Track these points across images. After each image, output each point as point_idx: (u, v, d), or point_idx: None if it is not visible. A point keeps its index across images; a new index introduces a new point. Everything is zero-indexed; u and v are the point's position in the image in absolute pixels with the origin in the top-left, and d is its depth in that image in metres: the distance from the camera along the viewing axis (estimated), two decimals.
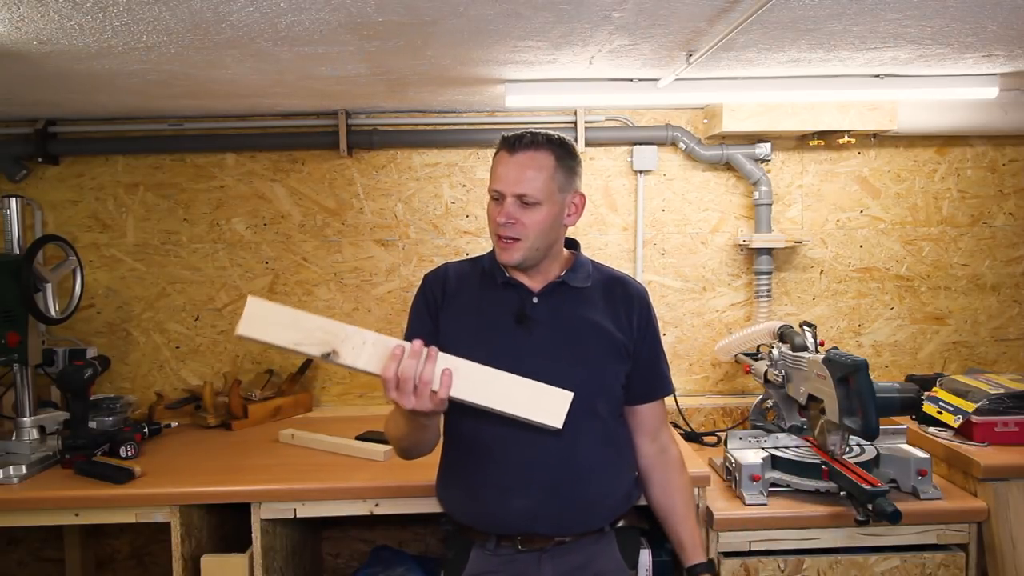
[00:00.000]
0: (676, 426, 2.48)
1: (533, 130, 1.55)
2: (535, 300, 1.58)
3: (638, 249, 2.74)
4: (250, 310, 1.27)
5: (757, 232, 2.68)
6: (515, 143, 1.52)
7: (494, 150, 1.59)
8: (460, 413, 1.60)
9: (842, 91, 2.25)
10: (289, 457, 2.20)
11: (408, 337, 1.64)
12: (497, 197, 1.53)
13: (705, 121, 2.70)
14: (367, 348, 1.29)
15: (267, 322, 1.27)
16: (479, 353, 1.53)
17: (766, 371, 2.30)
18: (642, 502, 1.75)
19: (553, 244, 1.58)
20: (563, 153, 1.54)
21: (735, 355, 2.64)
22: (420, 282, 1.69)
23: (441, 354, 1.33)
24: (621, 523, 1.66)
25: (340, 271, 2.76)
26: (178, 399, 2.64)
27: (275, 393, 2.67)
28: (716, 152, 2.67)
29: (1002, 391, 2.14)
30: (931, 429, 2.20)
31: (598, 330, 1.58)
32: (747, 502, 1.95)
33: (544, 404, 1.35)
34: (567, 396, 1.35)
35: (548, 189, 1.51)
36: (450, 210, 2.75)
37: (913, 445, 2.08)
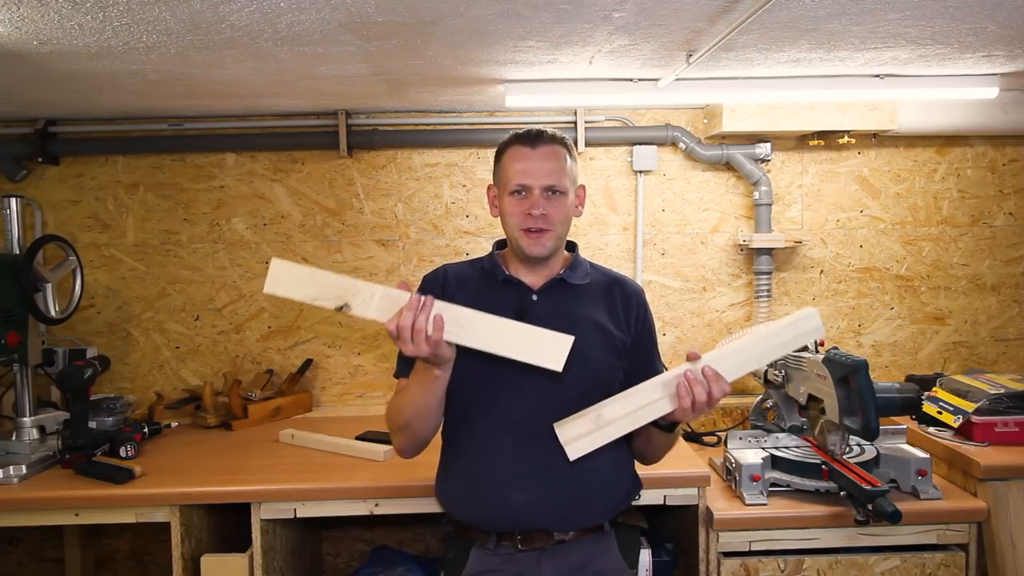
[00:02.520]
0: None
1: (539, 127, 1.59)
2: (534, 297, 1.59)
3: (638, 249, 2.75)
4: (274, 270, 1.43)
5: (757, 232, 2.68)
6: (536, 138, 1.57)
7: (496, 149, 1.62)
8: (458, 412, 1.60)
9: (842, 91, 2.25)
10: (289, 457, 2.20)
11: None
12: (520, 191, 1.55)
13: (705, 121, 2.70)
14: (375, 301, 1.42)
15: (289, 280, 1.43)
16: (479, 351, 1.53)
17: (766, 371, 2.30)
18: (642, 501, 1.75)
19: (567, 235, 1.63)
20: (569, 147, 1.61)
21: None
22: (419, 282, 1.70)
23: (441, 303, 1.41)
24: (620, 521, 1.65)
25: (340, 271, 2.75)
26: (178, 399, 2.64)
27: (275, 393, 2.67)
28: (716, 152, 2.67)
29: (1002, 391, 2.14)
30: (931, 429, 2.20)
31: (596, 327, 1.58)
32: (747, 502, 1.95)
33: (544, 348, 1.42)
34: (568, 339, 1.40)
35: (570, 179, 1.58)
36: (450, 210, 2.75)
37: (913, 445, 2.08)
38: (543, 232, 1.55)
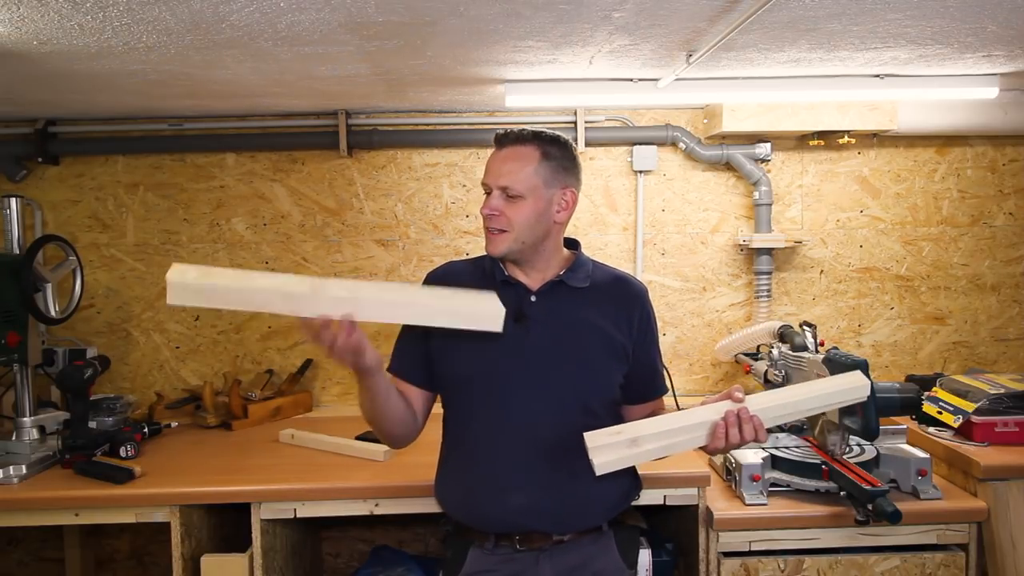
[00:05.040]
0: None
1: (525, 127, 1.56)
2: (533, 299, 1.58)
3: (638, 249, 2.74)
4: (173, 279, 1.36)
5: (757, 232, 2.68)
6: (503, 138, 1.55)
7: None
8: (456, 413, 1.60)
9: (842, 91, 2.25)
10: (289, 457, 2.20)
11: (402, 335, 1.66)
12: (487, 191, 1.56)
13: (705, 121, 2.70)
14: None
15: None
16: (476, 351, 1.53)
17: (766, 371, 2.30)
18: (642, 501, 1.75)
19: (542, 239, 1.57)
20: (551, 149, 1.54)
21: (735, 355, 2.64)
22: (420, 282, 1.70)
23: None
24: (620, 521, 1.65)
25: (340, 271, 2.76)
26: (178, 399, 2.64)
27: (275, 393, 2.67)
28: (716, 152, 2.67)
29: (1002, 391, 2.14)
30: (931, 429, 2.20)
31: (596, 331, 1.58)
32: (747, 502, 1.95)
33: (477, 311, 1.44)
34: (492, 298, 1.42)
35: (532, 183, 1.51)
36: (450, 210, 2.75)
37: (913, 445, 2.08)
38: (499, 233, 1.53)
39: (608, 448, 1.38)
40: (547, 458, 1.52)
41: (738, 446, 1.42)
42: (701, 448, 1.45)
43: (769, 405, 1.44)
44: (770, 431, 2.22)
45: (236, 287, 1.39)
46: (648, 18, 1.62)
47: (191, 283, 1.36)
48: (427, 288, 1.60)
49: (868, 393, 1.52)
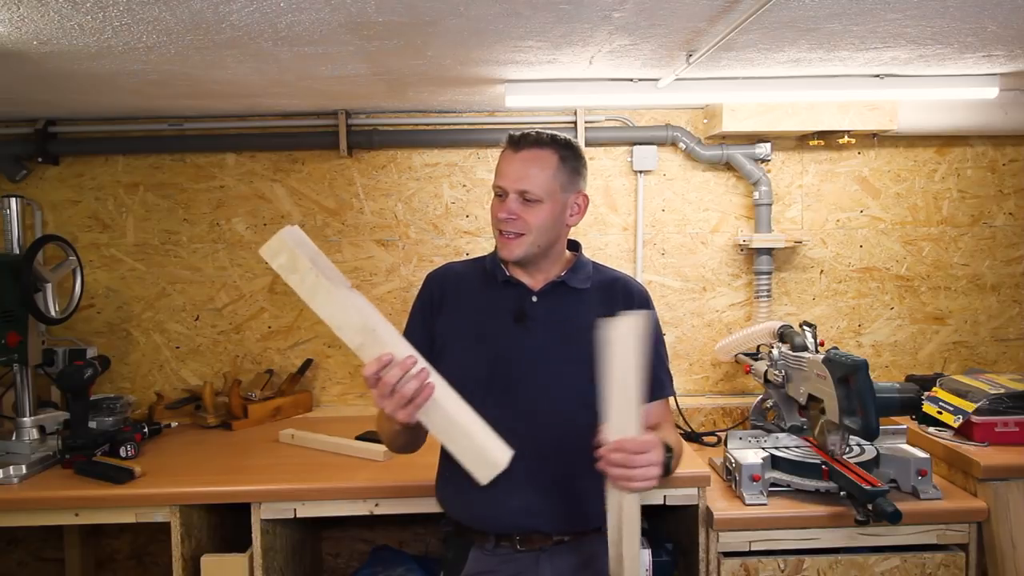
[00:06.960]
0: (676, 426, 2.47)
1: (539, 129, 1.56)
2: (534, 299, 1.58)
3: (638, 249, 2.74)
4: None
5: (757, 232, 2.68)
6: (520, 141, 1.55)
7: (494, 150, 1.61)
8: None
9: (842, 91, 2.25)
10: (289, 457, 2.20)
11: (405, 337, 1.66)
12: (500, 193, 1.55)
13: (705, 121, 2.70)
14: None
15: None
16: (478, 350, 1.53)
17: (766, 371, 2.30)
18: (642, 501, 1.74)
19: (554, 243, 1.58)
20: (567, 153, 1.56)
21: (735, 355, 2.64)
22: (421, 282, 1.70)
23: (436, 377, 1.29)
24: None
25: (340, 271, 2.75)
26: (178, 399, 2.64)
27: (275, 393, 2.67)
28: (716, 152, 2.67)
29: (1002, 391, 2.14)
30: (931, 429, 2.20)
31: (595, 332, 1.57)
32: (747, 502, 1.95)
33: (483, 457, 1.31)
34: (506, 455, 1.30)
35: (550, 187, 1.53)
36: (450, 210, 2.75)
37: (913, 445, 2.08)
38: (515, 237, 1.53)
39: None
40: (548, 458, 1.52)
41: (643, 468, 1.30)
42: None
43: (612, 416, 1.33)
44: (769, 430, 2.22)
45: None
46: (648, 18, 1.62)
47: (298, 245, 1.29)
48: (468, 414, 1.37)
49: (637, 328, 1.29)
